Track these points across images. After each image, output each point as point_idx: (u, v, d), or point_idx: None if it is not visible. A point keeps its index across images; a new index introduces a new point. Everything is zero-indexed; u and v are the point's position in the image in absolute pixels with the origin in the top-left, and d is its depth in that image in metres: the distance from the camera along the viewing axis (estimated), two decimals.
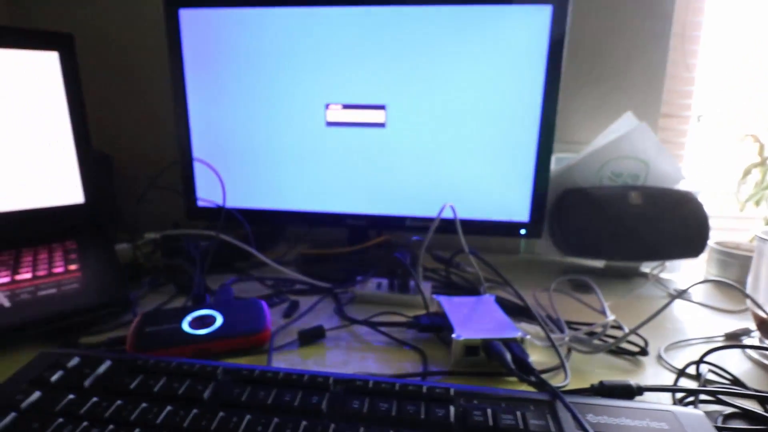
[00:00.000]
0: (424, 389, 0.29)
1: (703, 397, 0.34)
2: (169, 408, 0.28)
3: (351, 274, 0.57)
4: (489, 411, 0.28)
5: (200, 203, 0.65)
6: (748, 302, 0.45)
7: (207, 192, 0.66)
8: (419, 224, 0.62)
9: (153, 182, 0.63)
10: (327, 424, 0.26)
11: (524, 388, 0.36)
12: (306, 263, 0.64)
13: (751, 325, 0.48)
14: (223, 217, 0.60)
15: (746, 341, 0.45)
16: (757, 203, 0.67)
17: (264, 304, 0.46)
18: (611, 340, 0.41)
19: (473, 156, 0.59)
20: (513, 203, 0.61)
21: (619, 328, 0.42)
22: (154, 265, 0.59)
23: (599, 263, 0.67)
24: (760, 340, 0.44)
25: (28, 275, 0.47)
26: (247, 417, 0.27)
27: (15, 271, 0.48)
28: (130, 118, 0.81)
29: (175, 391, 0.29)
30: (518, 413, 0.27)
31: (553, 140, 0.57)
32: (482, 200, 0.61)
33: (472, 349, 0.39)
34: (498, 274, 0.45)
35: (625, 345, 0.42)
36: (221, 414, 0.27)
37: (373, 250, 0.65)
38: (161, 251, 0.62)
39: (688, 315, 0.52)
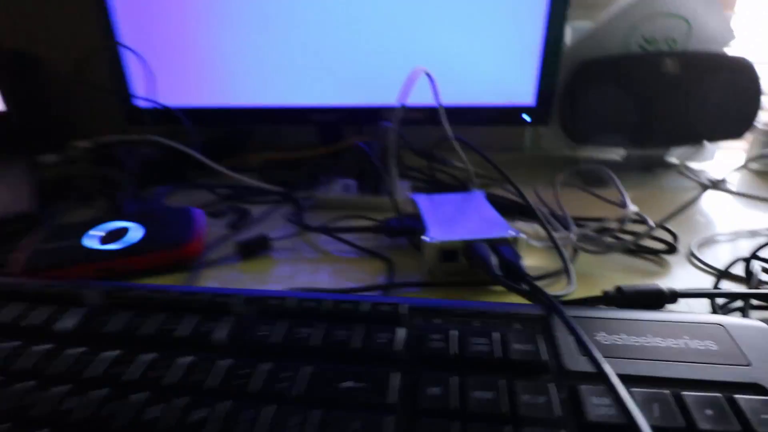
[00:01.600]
0: (365, 306, 0.21)
1: (754, 302, 0.26)
2: (16, 343, 0.20)
3: (313, 176, 0.47)
4: (454, 333, 0.19)
5: (138, 103, 0.55)
6: None
7: (151, 92, 0.54)
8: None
9: (77, 78, 0.52)
10: (222, 359, 0.18)
11: (515, 300, 0.28)
12: (270, 171, 0.55)
13: None
14: (159, 116, 0.50)
15: None
16: None
17: (197, 212, 0.38)
18: (629, 238, 0.31)
19: (464, 24, 0.46)
20: (514, 83, 0.49)
21: (642, 222, 0.33)
22: (85, 178, 0.50)
23: (617, 155, 0.56)
24: None
25: None
26: (110, 354, 0.19)
27: None
28: (50, 7, 0.67)
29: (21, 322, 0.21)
30: (495, 334, 0.19)
31: (567, 2, 0.44)
32: (476, 80, 0.49)
33: (449, 254, 0.30)
34: (488, 161, 0.35)
35: (647, 243, 0.33)
36: (73, 351, 0.19)
37: (350, 153, 0.55)
38: (94, 161, 0.53)
39: (725, 207, 0.43)
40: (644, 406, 0.16)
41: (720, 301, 0.26)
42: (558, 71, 0.47)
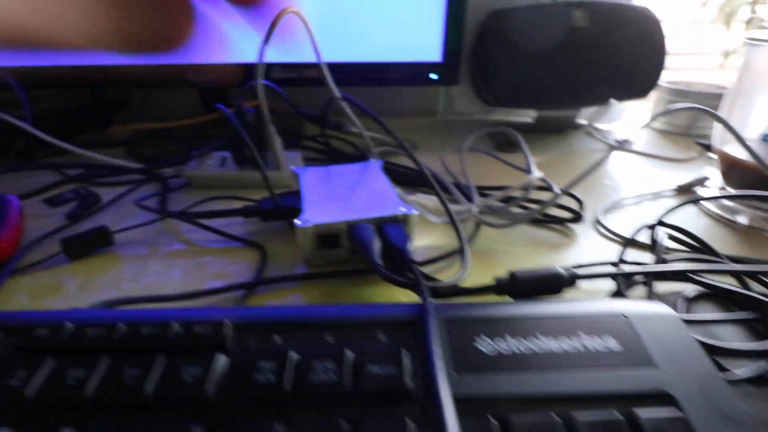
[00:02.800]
0: (172, 330, 0.15)
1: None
2: None
3: (184, 151, 0.40)
4: (292, 358, 0.14)
5: None
6: (716, 139, 0.34)
7: None
8: (289, 74, 0.44)
9: None
10: None
11: (405, 294, 0.23)
12: (138, 145, 0.46)
13: (707, 171, 0.38)
14: None
15: (702, 193, 0.35)
16: (727, 22, 0.54)
17: (11, 199, 0.29)
18: (535, 207, 0.28)
19: None
20: (420, 37, 0.44)
21: (547, 189, 0.29)
22: None
23: (529, 118, 0.53)
24: (722, 191, 0.34)
25: None
26: None
27: None
28: None
29: None
30: (349, 354, 0.14)
31: None
32: (378, 36, 0.43)
33: (328, 239, 0.25)
34: (379, 123, 0.29)
35: (553, 212, 0.30)
36: None
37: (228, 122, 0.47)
38: None
39: (631, 169, 0.41)
40: None
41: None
42: (464, 24, 0.43)
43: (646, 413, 0.12)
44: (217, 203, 0.34)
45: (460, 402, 0.13)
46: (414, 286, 0.19)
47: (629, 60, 0.45)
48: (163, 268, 0.26)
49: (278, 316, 0.16)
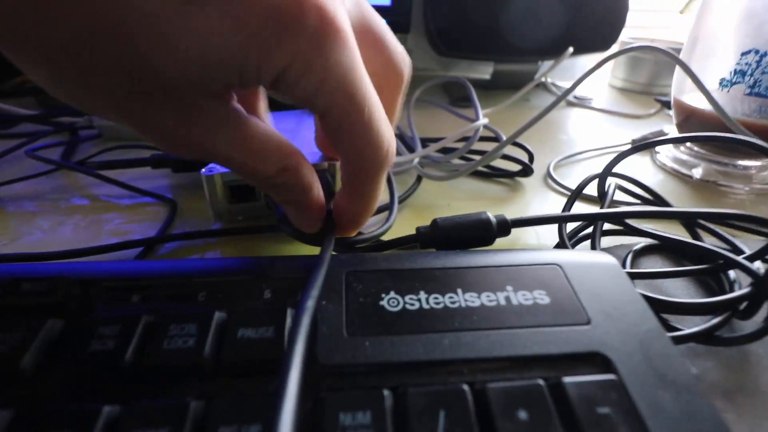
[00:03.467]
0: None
1: (608, 227, 0.21)
2: None
3: None
4: (145, 320, 0.11)
5: None
6: (674, 88, 0.32)
7: None
8: None
9: None
10: None
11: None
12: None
13: (665, 128, 0.37)
14: None
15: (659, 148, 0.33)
16: None
17: None
18: (479, 158, 0.26)
19: None
20: None
21: (495, 139, 0.27)
22: None
23: (486, 74, 0.50)
24: (676, 147, 0.32)
25: None
26: None
27: None
28: None
29: None
30: (218, 315, 0.11)
31: None
32: None
33: (240, 190, 0.22)
34: None
35: (503, 166, 0.28)
36: None
37: None
38: None
39: (588, 125, 0.39)
40: (425, 412, 0.09)
41: (571, 227, 0.21)
42: None
43: (572, 378, 0.10)
44: (125, 153, 0.30)
45: (346, 369, 0.10)
46: (320, 240, 0.16)
47: (590, 11, 0.43)
48: (52, 225, 0.22)
49: (143, 272, 0.13)
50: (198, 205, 0.24)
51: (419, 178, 0.26)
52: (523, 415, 0.09)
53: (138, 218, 0.23)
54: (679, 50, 0.40)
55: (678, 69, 0.31)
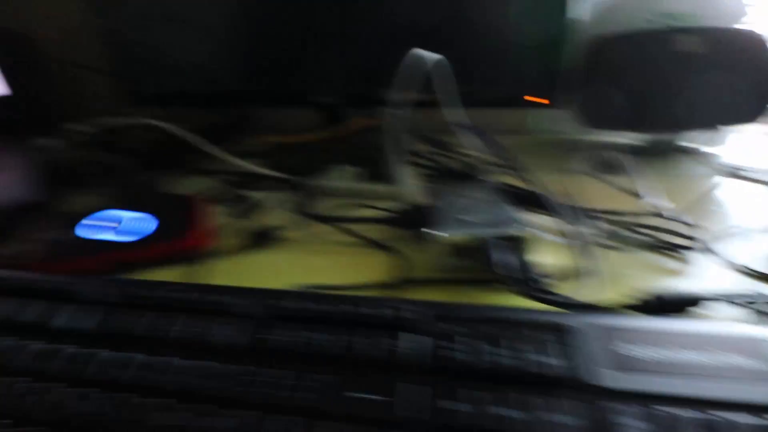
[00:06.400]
0: (366, 311, 0.20)
1: None
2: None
3: (318, 164, 0.46)
4: (471, 342, 0.19)
5: (137, 87, 0.53)
6: None
7: (145, 72, 0.53)
8: (400, 98, 0.49)
9: (75, 62, 0.50)
10: (227, 364, 0.18)
11: (528, 303, 0.27)
12: (271, 155, 0.53)
13: None
14: (155, 100, 0.48)
15: None
16: None
17: (202, 200, 0.37)
18: (647, 232, 0.31)
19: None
20: (519, 60, 0.47)
21: (659, 215, 0.31)
22: (85, 162, 0.49)
23: (628, 140, 0.54)
24: None
25: None
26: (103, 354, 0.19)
27: None
28: None
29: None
30: (517, 346, 0.18)
31: None
32: (475, 58, 0.47)
33: (461, 249, 0.29)
34: (503, 152, 0.33)
35: (666, 238, 0.32)
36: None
37: (354, 138, 0.54)
38: (95, 146, 0.51)
39: (742, 196, 0.41)
40: (670, 429, 0.15)
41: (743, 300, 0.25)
42: (564, 46, 0.45)
43: None
44: (352, 210, 0.39)
45: (619, 394, 0.16)
46: (545, 299, 0.23)
47: (736, 84, 0.45)
48: (317, 263, 0.32)
49: (441, 307, 0.21)
50: (415, 255, 0.32)
51: (589, 246, 0.32)
52: None
53: (374, 262, 0.32)
54: None
55: None
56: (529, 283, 0.25)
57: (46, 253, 0.30)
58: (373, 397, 0.17)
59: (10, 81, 0.49)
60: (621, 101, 0.46)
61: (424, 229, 0.29)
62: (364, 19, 0.46)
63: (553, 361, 0.18)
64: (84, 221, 0.33)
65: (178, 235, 0.32)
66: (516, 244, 0.28)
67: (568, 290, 0.28)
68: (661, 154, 0.52)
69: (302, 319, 0.20)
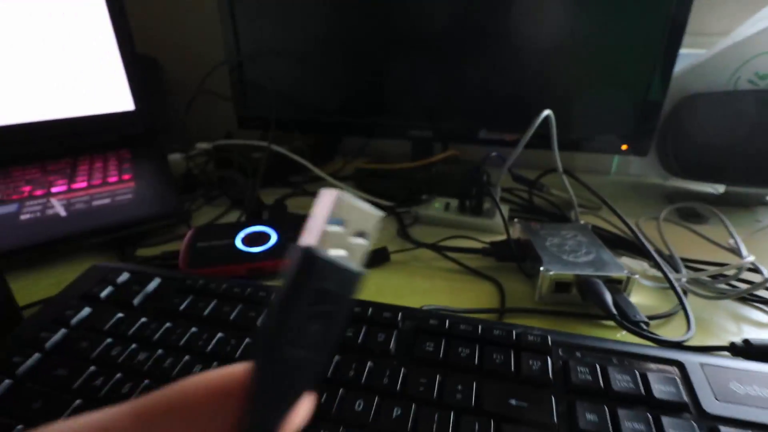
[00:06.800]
0: (514, 334, 0.24)
1: None
2: (220, 335, 0.25)
3: (413, 193, 0.51)
4: (597, 367, 0.22)
5: (252, 112, 0.60)
6: None
7: (260, 99, 0.60)
8: (494, 137, 0.53)
9: (200, 88, 0.58)
10: (397, 368, 0.22)
11: (627, 337, 0.30)
12: (363, 179, 0.59)
13: None
14: (273, 126, 0.55)
15: None
16: None
17: None
18: (741, 285, 0.32)
19: (572, 55, 0.48)
20: (614, 111, 0.50)
21: (755, 270, 0.33)
22: (207, 177, 0.56)
23: (713, 188, 0.55)
24: None
25: (84, 184, 0.46)
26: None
27: (72, 179, 0.46)
28: (174, 15, 0.74)
29: (226, 316, 0.26)
30: (636, 373, 0.22)
31: (683, 32, 0.44)
32: (573, 107, 0.50)
33: (562, 285, 0.33)
34: (598, 198, 0.36)
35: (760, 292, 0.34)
36: None
37: (437, 167, 0.58)
38: (214, 162, 0.59)
39: None
40: None
41: None
42: (662, 102, 0.48)
43: None
44: (453, 240, 0.43)
45: (724, 420, 0.19)
46: (651, 337, 0.26)
47: None
48: (426, 287, 0.36)
49: (576, 341, 0.24)
50: (514, 287, 0.36)
51: (684, 293, 0.34)
52: None
53: (476, 290, 0.36)
54: None
55: None
56: (635, 322, 0.28)
57: (207, 260, 0.36)
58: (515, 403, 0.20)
59: (137, 99, 0.58)
60: (709, 156, 0.48)
61: (541, 268, 0.32)
62: (477, 65, 0.51)
63: (672, 389, 0.21)
64: (238, 234, 0.39)
65: None
66: (618, 285, 0.31)
67: (664, 331, 0.30)
68: (743, 206, 0.53)
69: (443, 334, 0.24)
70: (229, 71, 0.58)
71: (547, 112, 0.38)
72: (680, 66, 0.52)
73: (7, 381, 0.22)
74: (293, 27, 0.54)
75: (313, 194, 0.55)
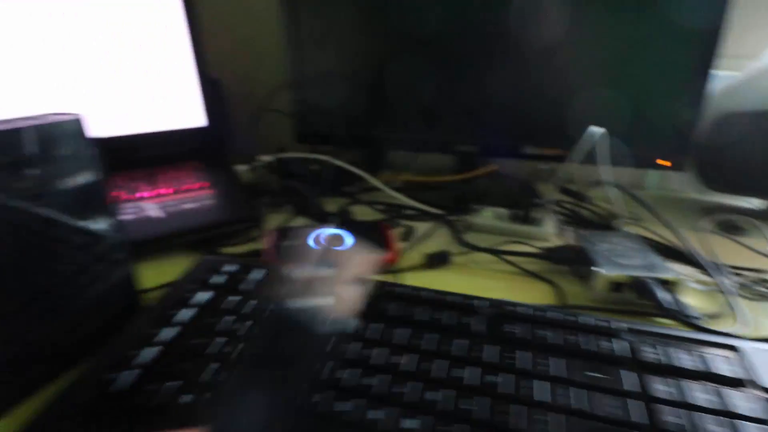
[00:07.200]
0: (582, 321, 0.28)
1: None
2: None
3: (460, 203, 0.55)
4: (664, 349, 0.25)
5: (309, 128, 0.65)
6: None
7: (318, 116, 0.65)
8: (536, 152, 0.57)
9: (265, 106, 0.64)
10: (494, 348, 0.26)
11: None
12: (411, 190, 0.63)
13: None
14: (332, 141, 0.60)
15: None
16: None
17: (387, 225, 0.46)
18: None
19: (612, 73, 0.52)
20: (651, 128, 0.53)
21: None
22: (271, 187, 0.61)
23: (749, 203, 0.58)
24: None
25: (171, 190, 0.51)
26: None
27: (154, 186, 0.52)
28: (236, 38, 0.81)
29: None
30: (697, 355, 0.25)
31: (715, 53, 0.48)
32: (615, 124, 0.53)
33: (616, 285, 0.36)
34: (647, 209, 0.40)
35: None
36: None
37: (480, 180, 0.62)
38: (277, 173, 0.64)
39: None
40: None
41: None
42: (697, 120, 0.51)
43: None
44: (507, 246, 0.47)
45: None
46: (710, 330, 0.29)
47: None
48: (486, 286, 0.40)
49: (642, 328, 0.27)
50: (569, 288, 0.39)
51: (727, 293, 0.37)
52: None
53: (534, 290, 0.39)
54: None
55: None
56: (689, 317, 0.31)
57: (288, 257, 0.40)
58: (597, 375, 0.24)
59: (210, 116, 0.64)
60: (748, 173, 0.51)
61: (592, 268, 0.36)
62: (521, 85, 0.55)
63: (731, 367, 0.24)
64: (311, 235, 0.43)
65: (378, 251, 0.41)
66: (670, 286, 0.34)
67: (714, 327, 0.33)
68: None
69: (529, 319, 0.28)
70: (290, 90, 0.64)
71: (601, 130, 0.42)
72: (716, 86, 0.55)
73: (158, 347, 0.27)
74: (349, 52, 0.60)
75: (367, 203, 0.59)
